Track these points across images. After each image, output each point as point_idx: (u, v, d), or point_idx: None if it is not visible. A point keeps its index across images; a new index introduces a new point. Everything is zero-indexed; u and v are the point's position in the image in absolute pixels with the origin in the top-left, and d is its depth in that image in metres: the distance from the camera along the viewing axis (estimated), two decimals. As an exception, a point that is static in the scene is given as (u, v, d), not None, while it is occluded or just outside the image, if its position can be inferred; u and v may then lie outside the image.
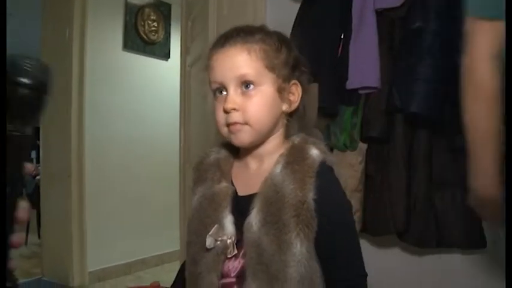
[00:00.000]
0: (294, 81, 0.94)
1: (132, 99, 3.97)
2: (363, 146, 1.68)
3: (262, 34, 0.91)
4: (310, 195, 0.86)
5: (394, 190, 1.60)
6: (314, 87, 1.74)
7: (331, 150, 1.73)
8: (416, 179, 1.58)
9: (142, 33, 4.06)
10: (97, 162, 3.66)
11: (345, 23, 1.67)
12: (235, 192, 0.95)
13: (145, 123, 4.05)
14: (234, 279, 0.90)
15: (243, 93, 0.88)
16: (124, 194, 3.82)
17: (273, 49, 0.91)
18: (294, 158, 0.90)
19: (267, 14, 2.20)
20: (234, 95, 0.88)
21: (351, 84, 1.61)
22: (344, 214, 0.94)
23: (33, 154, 7.86)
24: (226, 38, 0.90)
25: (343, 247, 0.90)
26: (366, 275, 0.92)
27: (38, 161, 4.10)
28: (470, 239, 1.53)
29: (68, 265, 3.54)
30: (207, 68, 0.93)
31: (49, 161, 3.78)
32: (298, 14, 1.85)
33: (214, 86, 0.91)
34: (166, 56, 4.27)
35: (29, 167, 0.56)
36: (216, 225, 0.90)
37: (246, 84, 0.88)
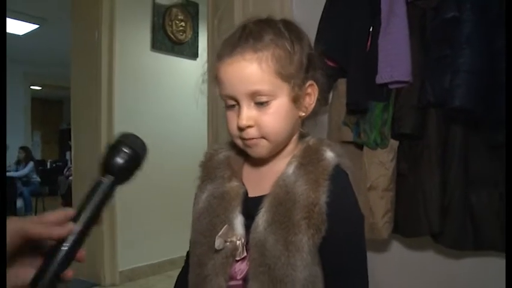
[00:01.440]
0: (309, 82, 0.87)
1: (161, 99, 3.99)
2: (394, 143, 1.61)
3: (272, 34, 0.82)
4: (323, 198, 0.81)
5: (428, 189, 1.52)
6: (342, 83, 1.69)
7: (361, 147, 1.67)
8: (452, 178, 1.50)
9: (170, 33, 4.07)
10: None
11: (373, 15, 1.60)
12: (247, 192, 0.91)
13: (174, 122, 4.06)
14: (240, 282, 0.86)
15: (257, 107, 0.82)
16: (154, 193, 3.83)
17: (286, 53, 0.82)
18: (308, 159, 0.86)
19: (293, 9, 2.16)
20: (247, 111, 0.82)
21: (380, 78, 1.54)
22: (355, 223, 0.88)
23: (67, 155, 8.05)
24: (234, 46, 0.82)
25: (348, 257, 0.86)
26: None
27: (70, 162, 4.18)
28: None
29: (99, 264, 3.58)
30: (215, 79, 0.87)
31: (80, 161, 3.84)
32: (325, 7, 1.80)
33: (225, 99, 0.86)
34: (194, 55, 4.27)
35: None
36: (226, 226, 0.86)
37: (260, 98, 0.82)
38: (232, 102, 0.84)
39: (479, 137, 1.46)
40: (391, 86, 1.56)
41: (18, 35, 6.38)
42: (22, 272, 0.57)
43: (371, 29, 1.62)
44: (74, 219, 0.59)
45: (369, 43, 1.62)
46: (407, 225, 1.61)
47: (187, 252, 0.99)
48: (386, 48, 1.55)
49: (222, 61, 0.83)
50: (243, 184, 0.92)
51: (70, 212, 0.61)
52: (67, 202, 4.07)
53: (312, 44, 0.91)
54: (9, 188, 6.60)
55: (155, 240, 3.86)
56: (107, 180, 0.62)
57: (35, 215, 6.59)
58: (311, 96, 0.88)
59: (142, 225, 3.78)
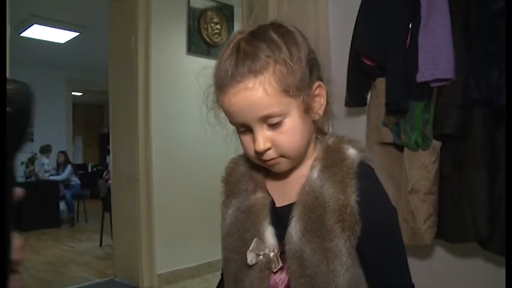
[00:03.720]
0: (316, 84, 0.83)
1: (198, 102, 4.00)
2: (436, 145, 1.54)
3: (267, 49, 0.77)
4: (353, 198, 0.78)
5: (474, 193, 1.44)
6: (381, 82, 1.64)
7: (402, 149, 1.61)
8: (500, 180, 1.42)
9: (205, 36, 4.09)
10: (164, 165, 3.73)
11: (413, 10, 1.54)
12: (273, 202, 0.88)
13: (212, 127, 4.07)
14: None
15: (271, 128, 0.79)
16: (191, 196, 3.84)
17: (287, 66, 0.77)
18: (331, 160, 0.83)
19: (329, 8, 2.12)
20: (261, 134, 0.79)
21: (421, 76, 1.47)
22: (389, 219, 0.85)
23: (108, 159, 8.24)
24: (232, 74, 0.76)
25: (388, 254, 0.83)
26: (413, 285, 0.84)
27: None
28: None
29: (137, 267, 3.62)
30: (221, 108, 0.83)
31: (118, 164, 3.91)
32: (361, 5, 1.75)
33: (236, 126, 0.82)
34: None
35: (18, 191, 0.53)
36: (255, 239, 0.84)
37: (271, 120, 0.78)
38: (244, 128, 0.81)
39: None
40: (432, 84, 1.49)
41: (60, 43, 6.58)
42: None
43: (410, 26, 1.56)
44: None
45: (408, 40, 1.56)
46: (452, 230, 1.54)
47: (222, 272, 0.98)
48: (426, 44, 1.48)
49: (224, 93, 0.79)
50: (268, 194, 0.89)
51: None
52: (106, 205, 4.15)
53: (315, 43, 0.86)
54: (52, 191, 6.81)
55: (194, 243, 3.88)
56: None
57: (77, 216, 6.74)
58: (321, 97, 0.84)
59: (180, 227, 3.80)
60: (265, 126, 0.79)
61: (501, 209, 1.41)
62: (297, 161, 0.85)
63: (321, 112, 0.85)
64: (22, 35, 5.96)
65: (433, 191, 1.56)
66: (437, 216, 1.57)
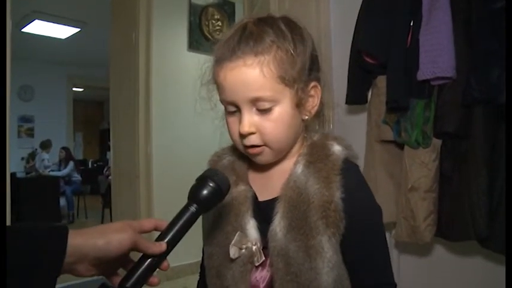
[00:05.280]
0: (313, 83, 0.84)
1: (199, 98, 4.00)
2: (436, 143, 1.54)
3: (273, 35, 0.78)
4: (338, 194, 0.79)
5: (474, 191, 1.44)
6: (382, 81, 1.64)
7: (402, 147, 1.61)
8: (500, 178, 1.42)
9: (206, 32, 4.10)
10: (164, 162, 3.73)
11: (414, 8, 1.54)
12: (255, 196, 0.88)
13: (211, 122, 4.07)
14: None
15: (259, 113, 0.79)
16: (191, 194, 3.83)
17: (289, 55, 0.78)
18: (315, 156, 0.84)
19: (330, 6, 2.11)
20: (248, 117, 0.79)
21: (422, 74, 1.47)
22: (373, 216, 0.86)
23: (108, 155, 8.25)
24: (233, 49, 0.77)
25: (371, 252, 0.83)
26: (395, 285, 0.84)
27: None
28: None
29: (137, 263, 3.63)
30: (214, 82, 0.84)
31: (119, 161, 3.91)
32: (363, 3, 1.74)
33: (225, 104, 0.82)
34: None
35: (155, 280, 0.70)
36: (238, 233, 0.83)
37: (262, 104, 0.78)
38: (233, 109, 0.81)
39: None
40: (433, 83, 1.49)
41: (61, 39, 6.57)
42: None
43: (412, 24, 1.56)
44: (162, 235, 0.69)
45: (409, 38, 1.55)
46: (452, 229, 1.54)
47: (201, 265, 0.98)
48: (428, 43, 1.48)
49: (221, 65, 0.79)
50: (250, 187, 0.89)
51: (159, 222, 0.72)
52: (106, 201, 4.16)
53: (317, 40, 0.87)
54: (52, 187, 6.81)
55: (193, 240, 3.87)
56: (193, 208, 0.71)
57: (77, 212, 6.73)
58: (314, 98, 0.85)
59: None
60: (254, 110, 0.79)
61: (500, 207, 1.41)
62: (280, 155, 0.85)
63: (312, 112, 0.85)
64: (23, 30, 5.95)
65: (433, 189, 1.56)
66: (437, 214, 1.57)
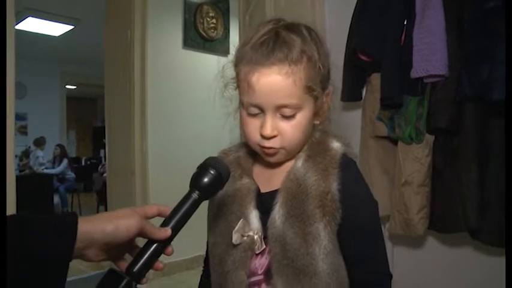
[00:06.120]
0: (327, 91, 0.89)
1: (194, 96, 4.02)
2: (429, 138, 1.59)
3: (302, 44, 0.82)
4: (334, 186, 0.83)
5: (465, 185, 1.49)
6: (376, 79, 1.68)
7: (396, 142, 1.65)
8: (490, 172, 1.47)
9: (201, 30, 4.11)
10: (160, 159, 3.74)
11: (408, 8, 1.58)
12: (258, 189, 0.92)
13: (207, 119, 4.09)
14: (262, 277, 0.87)
15: (281, 118, 0.83)
16: (186, 189, 3.83)
17: (315, 67, 0.83)
18: (315, 151, 0.88)
19: (325, 4, 2.14)
20: (272, 121, 0.83)
21: (415, 72, 1.52)
22: (369, 209, 0.90)
23: (101, 152, 8.22)
24: (268, 55, 0.80)
25: (367, 243, 0.87)
26: (391, 275, 0.88)
27: (104, 159, 4.27)
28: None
29: (133, 259, 3.64)
30: (240, 82, 0.85)
31: (114, 158, 3.91)
32: (358, 2, 1.78)
33: (248, 106, 0.85)
34: (226, 52, 4.29)
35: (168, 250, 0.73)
36: (241, 220, 0.87)
37: (287, 110, 0.82)
38: (256, 111, 0.84)
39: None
40: (426, 80, 1.54)
41: (54, 36, 6.55)
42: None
43: (405, 22, 1.60)
44: (166, 221, 0.72)
45: (403, 37, 1.60)
46: (444, 221, 1.58)
47: (205, 259, 1.03)
48: (421, 41, 1.52)
49: (254, 69, 0.81)
50: (254, 181, 0.93)
51: (162, 208, 0.75)
52: (101, 198, 4.17)
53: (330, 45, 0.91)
54: (46, 184, 6.79)
55: (189, 236, 3.90)
56: (195, 195, 0.73)
57: (71, 210, 6.70)
58: (327, 104, 0.90)
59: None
60: (277, 115, 0.83)
61: (490, 200, 1.46)
62: (290, 156, 0.89)
63: (323, 117, 0.91)
64: (16, 27, 5.92)
65: (426, 183, 1.60)
66: (429, 207, 1.61)
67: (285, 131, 0.83)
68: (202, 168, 0.75)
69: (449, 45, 1.49)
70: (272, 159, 0.89)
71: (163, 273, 3.75)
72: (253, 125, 0.85)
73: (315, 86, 0.83)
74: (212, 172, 0.74)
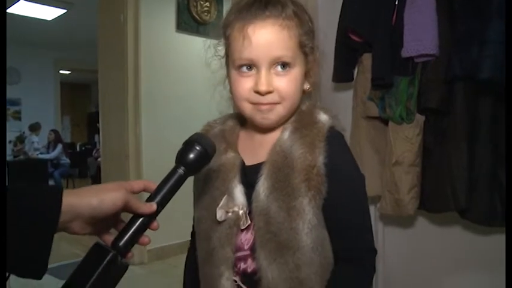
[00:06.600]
0: (314, 57, 0.90)
1: (187, 79, 4.00)
2: (420, 118, 1.59)
3: (293, 6, 0.84)
4: (321, 159, 0.82)
5: (455, 164, 1.50)
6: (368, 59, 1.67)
7: (387, 122, 1.66)
8: (479, 153, 1.48)
9: (195, 13, 4.08)
10: (153, 142, 3.75)
11: (400, -12, 1.58)
12: (243, 162, 0.91)
13: (200, 103, 4.07)
14: (248, 252, 0.87)
15: (275, 74, 0.83)
16: (180, 174, 3.86)
17: (306, 26, 0.86)
18: (302, 123, 0.88)
19: (318, -14, 2.13)
20: (267, 76, 0.82)
21: (406, 52, 1.52)
22: (355, 183, 0.89)
23: (96, 137, 8.20)
24: (263, 10, 0.82)
25: (352, 217, 0.87)
26: (376, 250, 0.89)
27: (99, 144, 4.26)
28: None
29: (128, 243, 3.66)
30: (235, 38, 0.84)
31: (108, 143, 3.91)
32: (349, -18, 1.77)
33: (240, 62, 0.84)
34: (219, 35, 4.26)
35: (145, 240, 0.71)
36: (225, 196, 0.87)
37: (281, 65, 0.83)
38: (248, 70, 0.84)
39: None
40: (417, 60, 1.53)
41: (47, 20, 6.48)
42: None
43: (397, 2, 1.59)
44: (152, 197, 0.71)
45: (394, 17, 1.59)
46: (434, 201, 1.59)
47: (192, 232, 1.01)
48: (412, 21, 1.52)
49: (250, 22, 0.82)
50: (239, 155, 0.92)
51: (148, 184, 0.74)
52: (96, 183, 4.15)
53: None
54: (40, 170, 6.79)
55: (184, 219, 3.90)
56: (181, 170, 0.73)
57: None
58: (315, 68, 0.90)
59: (169, 203, 3.83)
60: (271, 71, 0.83)
61: (479, 180, 1.48)
62: (283, 119, 0.88)
63: (313, 82, 0.91)
64: (8, 11, 5.86)
65: (417, 163, 1.61)
66: (420, 187, 1.62)
67: (280, 86, 0.83)
68: (188, 144, 0.75)
69: (440, 25, 1.48)
70: (267, 120, 0.86)
71: (157, 257, 3.77)
72: (244, 83, 0.85)
73: (307, 42, 0.85)
74: (198, 148, 0.74)
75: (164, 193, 0.72)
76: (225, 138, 0.95)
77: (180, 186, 0.73)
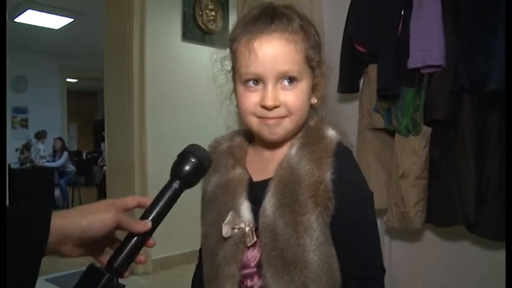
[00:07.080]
0: (321, 71, 0.88)
1: (193, 88, 3.99)
2: (426, 130, 1.57)
3: (299, 20, 0.84)
4: (328, 175, 0.80)
5: (463, 177, 1.47)
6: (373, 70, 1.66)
7: (393, 134, 1.63)
8: (488, 165, 1.45)
9: (200, 23, 4.09)
10: (158, 151, 3.73)
11: (405, -2, 1.56)
12: (251, 179, 0.90)
13: (206, 112, 4.07)
14: (254, 269, 0.85)
15: (282, 89, 0.82)
16: (185, 183, 3.85)
17: (313, 40, 0.85)
18: (309, 139, 0.86)
19: (323, -6, 2.12)
20: (274, 91, 0.81)
21: (412, 63, 1.50)
22: (363, 200, 0.86)
23: (102, 146, 8.23)
24: (269, 24, 0.81)
25: (360, 236, 0.85)
26: (384, 269, 0.86)
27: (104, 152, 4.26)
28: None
29: (132, 253, 3.64)
30: (241, 53, 0.83)
31: (114, 151, 3.90)
32: (355, -8, 1.75)
33: (247, 76, 0.83)
34: (225, 45, 4.25)
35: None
36: (231, 213, 0.85)
37: (288, 79, 0.82)
38: (255, 85, 0.83)
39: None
40: (423, 71, 1.52)
41: (54, 29, 6.53)
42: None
43: (402, 13, 1.57)
44: (146, 213, 0.69)
45: (400, 27, 1.57)
46: (441, 215, 1.57)
47: (200, 249, 1.00)
48: (418, 31, 1.50)
49: (256, 36, 0.81)
50: (247, 171, 0.91)
51: (142, 200, 0.73)
52: (101, 192, 4.16)
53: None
54: (47, 178, 6.80)
55: (187, 229, 3.90)
56: (176, 184, 0.70)
57: (72, 204, 6.71)
58: (322, 83, 0.89)
59: (174, 213, 3.79)
60: (278, 86, 0.82)
61: (488, 194, 1.45)
62: (291, 133, 0.87)
63: (320, 96, 0.89)
64: (16, 20, 5.91)
65: (423, 176, 1.58)
66: (426, 200, 1.60)
67: (287, 100, 0.82)
68: (182, 157, 0.73)
69: (446, 35, 1.47)
70: (274, 135, 0.85)
71: (161, 267, 3.75)
72: (250, 98, 0.84)
73: (314, 56, 0.84)
74: (193, 160, 0.72)
75: (159, 209, 0.70)
76: (233, 154, 0.94)
77: (176, 200, 0.71)
